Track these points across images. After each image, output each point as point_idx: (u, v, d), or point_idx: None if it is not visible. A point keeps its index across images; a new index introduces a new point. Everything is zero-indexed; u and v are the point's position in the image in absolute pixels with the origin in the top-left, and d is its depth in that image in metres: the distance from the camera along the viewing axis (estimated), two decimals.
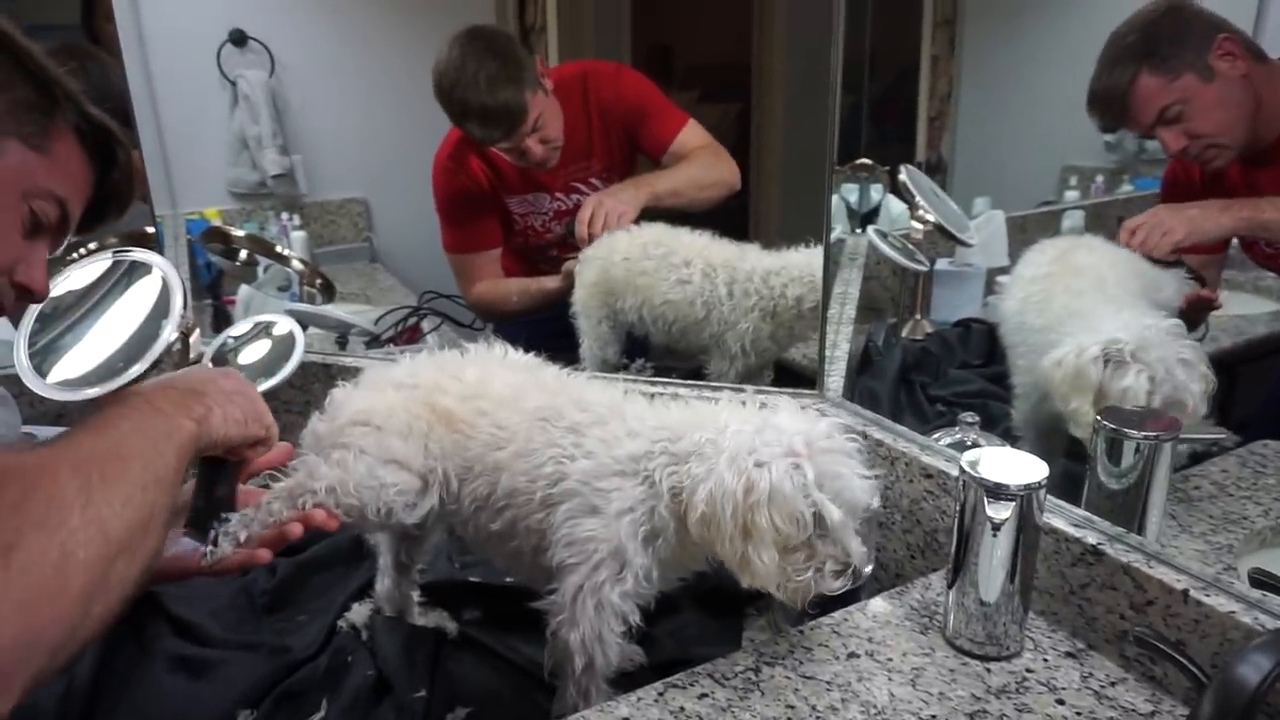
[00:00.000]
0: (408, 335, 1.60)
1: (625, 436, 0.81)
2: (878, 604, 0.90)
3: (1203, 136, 0.96)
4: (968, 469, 0.78)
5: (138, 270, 1.14)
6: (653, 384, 1.25)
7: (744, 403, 0.82)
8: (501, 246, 1.71)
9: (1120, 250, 1.04)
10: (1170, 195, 1.11)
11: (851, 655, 0.82)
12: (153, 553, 0.62)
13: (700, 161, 1.60)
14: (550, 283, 1.62)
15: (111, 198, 0.78)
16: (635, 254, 1.45)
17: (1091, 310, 1.02)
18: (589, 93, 1.62)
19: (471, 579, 1.11)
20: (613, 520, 0.78)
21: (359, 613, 1.03)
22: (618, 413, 0.83)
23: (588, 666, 0.82)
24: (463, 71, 1.47)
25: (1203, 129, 0.96)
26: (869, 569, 0.99)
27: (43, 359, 1.06)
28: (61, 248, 0.77)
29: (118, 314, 1.12)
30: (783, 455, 0.73)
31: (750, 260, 1.44)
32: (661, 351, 1.55)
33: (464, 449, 0.85)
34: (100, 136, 0.74)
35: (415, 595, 1.03)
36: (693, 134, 1.63)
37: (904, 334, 1.55)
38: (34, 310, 1.08)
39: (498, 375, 0.88)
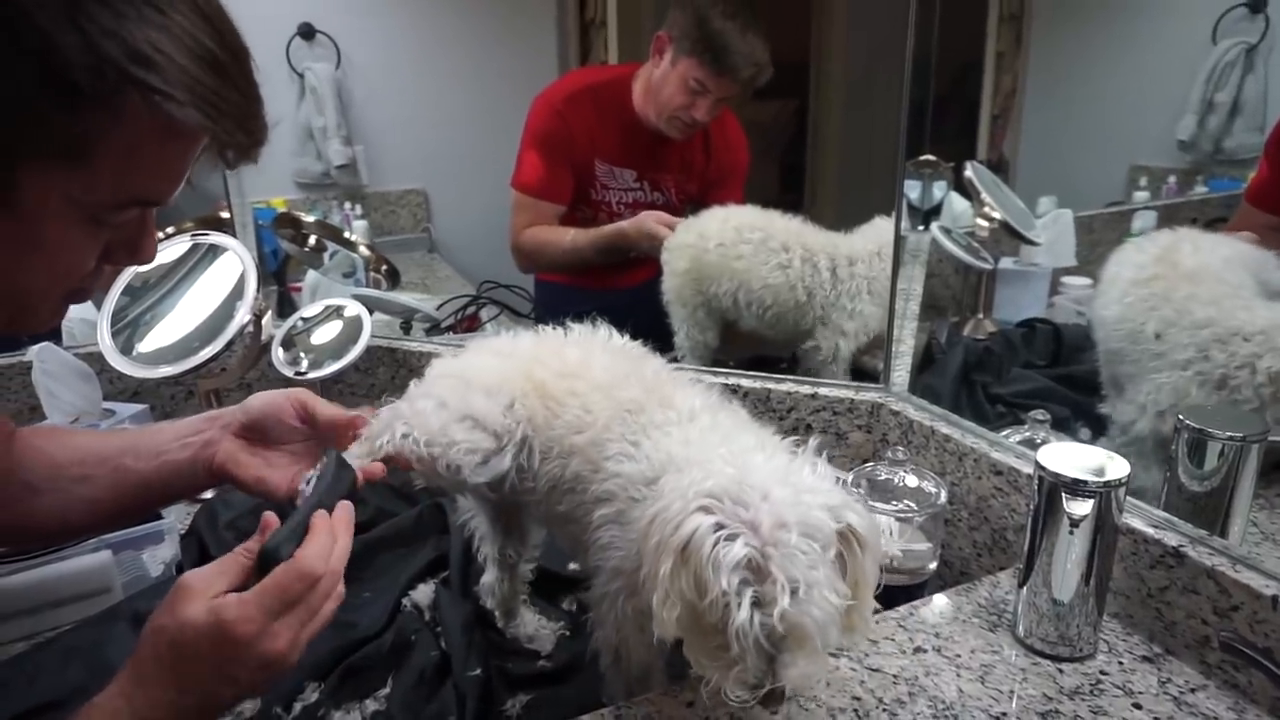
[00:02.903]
0: (467, 323, 1.62)
1: (679, 443, 0.74)
2: (943, 600, 0.88)
3: None
4: (1045, 464, 0.76)
5: (214, 253, 1.18)
6: (714, 374, 1.24)
7: (819, 454, 0.67)
8: (567, 206, 1.69)
9: (1219, 240, 1.00)
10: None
11: (918, 650, 0.80)
12: None
13: None
14: (619, 225, 1.59)
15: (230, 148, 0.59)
16: (729, 239, 1.44)
17: (1227, 313, 0.96)
18: (713, 134, 1.66)
19: (571, 566, 1.10)
20: (631, 530, 0.72)
21: (423, 593, 1.05)
22: (691, 419, 0.78)
23: (615, 662, 0.81)
24: (743, 12, 1.48)
25: None
26: (933, 565, 0.98)
27: (127, 335, 1.09)
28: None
29: (195, 295, 1.16)
30: (736, 519, 0.60)
31: (844, 244, 1.43)
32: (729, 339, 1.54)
33: (549, 426, 0.82)
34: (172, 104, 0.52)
35: (522, 594, 1.01)
36: None
37: (966, 332, 1.52)
38: (118, 288, 1.12)
39: (598, 359, 0.84)
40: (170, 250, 1.15)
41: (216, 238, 1.17)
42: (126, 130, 0.52)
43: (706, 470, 0.64)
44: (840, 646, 0.76)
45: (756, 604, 0.59)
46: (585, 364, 0.84)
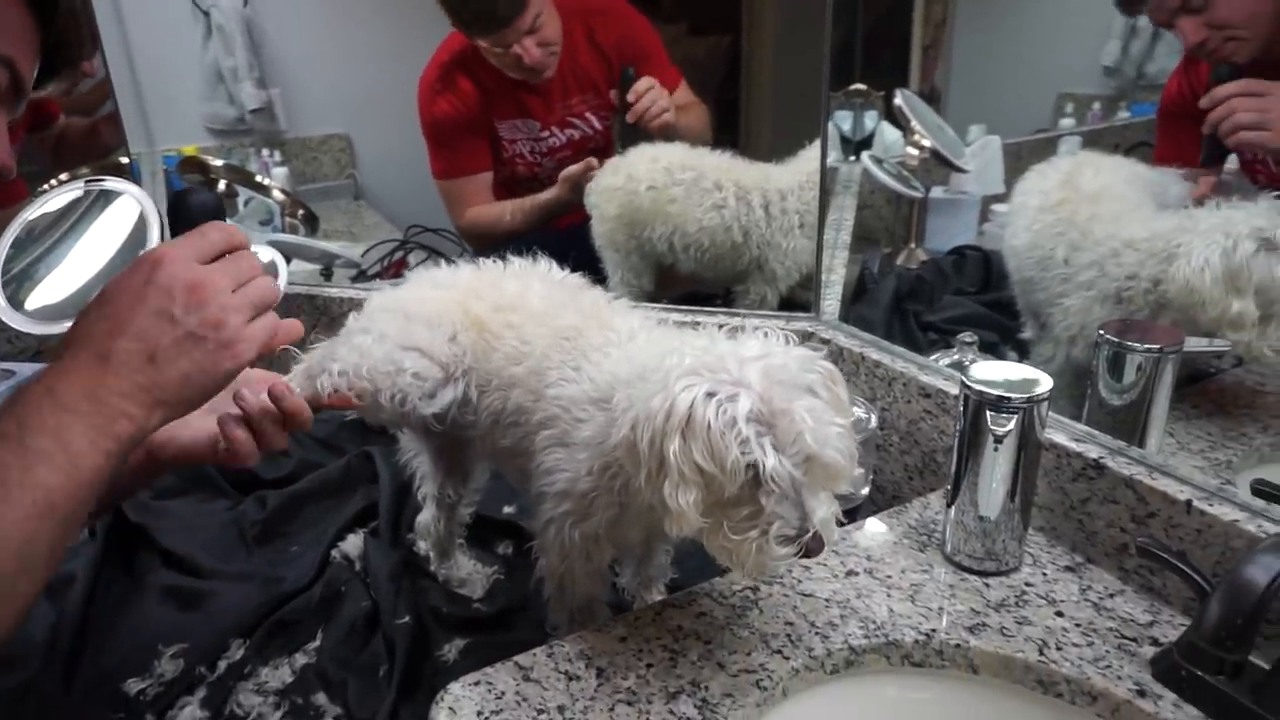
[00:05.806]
0: (394, 269, 1.57)
1: (622, 361, 0.74)
2: (875, 524, 0.89)
3: (1225, 27, 0.92)
4: (970, 382, 0.76)
5: (111, 198, 1.10)
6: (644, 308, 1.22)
7: (760, 331, 0.67)
8: (491, 170, 1.65)
9: (1119, 162, 1.01)
10: (1168, 117, 1.07)
11: (850, 573, 0.81)
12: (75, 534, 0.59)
13: (700, 118, 1.60)
14: (548, 194, 1.56)
15: (60, 46, 0.69)
16: (661, 180, 1.40)
17: (1124, 228, 0.97)
18: (594, 28, 1.58)
19: (506, 510, 1.10)
20: (578, 451, 0.73)
21: (353, 543, 1.02)
22: (630, 338, 0.78)
23: (559, 591, 0.81)
24: None
25: (1226, 18, 0.91)
26: (865, 490, 0.99)
27: (16, 288, 1.02)
28: (20, 111, 0.69)
29: (91, 243, 1.09)
30: (722, 382, 0.61)
31: (775, 177, 1.41)
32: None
33: (487, 360, 0.81)
34: None
35: (458, 537, 1.01)
36: (684, 91, 1.61)
37: (899, 262, 1.53)
38: (7, 239, 1.04)
39: (535, 289, 0.83)
40: (59, 197, 1.07)
41: (112, 183, 1.09)
42: None
43: (678, 356, 0.64)
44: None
45: (777, 449, 0.60)
46: (522, 295, 0.83)
